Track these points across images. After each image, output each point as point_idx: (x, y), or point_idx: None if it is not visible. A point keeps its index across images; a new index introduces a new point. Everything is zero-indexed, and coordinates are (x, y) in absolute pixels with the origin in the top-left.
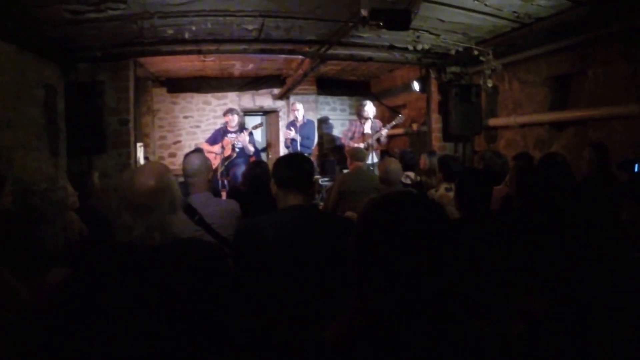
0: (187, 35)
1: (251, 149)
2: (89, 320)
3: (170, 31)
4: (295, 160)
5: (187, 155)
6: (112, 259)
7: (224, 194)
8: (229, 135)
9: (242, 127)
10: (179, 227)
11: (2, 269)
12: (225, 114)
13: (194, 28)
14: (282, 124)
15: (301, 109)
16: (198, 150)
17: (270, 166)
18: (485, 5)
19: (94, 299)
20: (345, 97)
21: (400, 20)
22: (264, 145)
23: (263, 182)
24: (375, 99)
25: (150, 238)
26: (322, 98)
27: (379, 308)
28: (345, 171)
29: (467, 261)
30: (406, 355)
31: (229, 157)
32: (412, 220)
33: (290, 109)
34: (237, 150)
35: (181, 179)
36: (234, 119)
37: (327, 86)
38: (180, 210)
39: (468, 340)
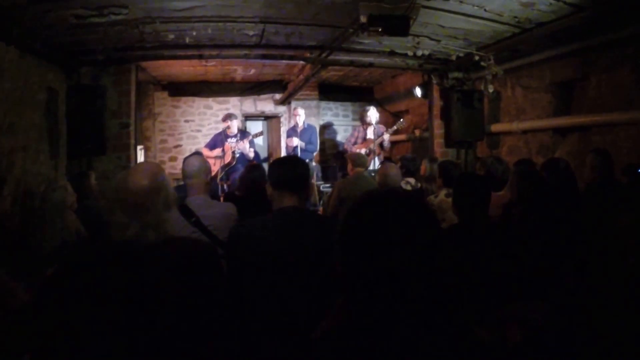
0: (188, 40)
1: (251, 155)
2: (75, 316)
3: (171, 36)
4: (289, 162)
5: (186, 158)
6: (104, 256)
7: (222, 199)
8: (229, 140)
9: (242, 133)
10: (173, 226)
11: (0, 269)
12: (224, 119)
13: (194, 33)
14: (284, 129)
15: (302, 115)
16: (197, 154)
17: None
18: (485, 10)
19: (80, 295)
20: (348, 103)
21: (399, 26)
22: (265, 151)
23: (259, 185)
24: (378, 104)
25: (145, 236)
26: (324, 104)
27: (363, 306)
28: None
29: (463, 266)
30: (391, 355)
31: (229, 164)
32: (394, 218)
33: (292, 114)
34: (236, 157)
35: (180, 183)
36: (234, 124)
37: (330, 92)
38: (175, 208)
39: (463, 345)
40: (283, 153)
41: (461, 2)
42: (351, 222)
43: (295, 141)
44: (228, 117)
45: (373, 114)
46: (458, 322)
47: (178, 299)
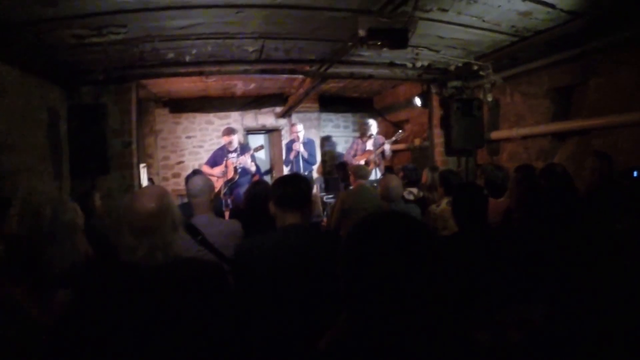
0: (188, 58)
1: (253, 168)
2: (95, 340)
3: (171, 54)
4: (292, 180)
5: (189, 177)
6: (117, 279)
7: (227, 214)
8: (230, 155)
9: (242, 147)
10: (180, 246)
11: (15, 289)
12: (226, 134)
13: (194, 51)
14: (285, 142)
15: (302, 130)
16: (198, 172)
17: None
18: (483, 21)
19: (99, 320)
20: (348, 114)
21: (398, 39)
22: (267, 164)
23: (262, 201)
24: (379, 115)
25: (153, 258)
26: (324, 115)
27: (364, 322)
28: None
29: (464, 273)
30: None
31: (231, 179)
32: (392, 241)
33: (291, 130)
34: (239, 171)
35: (184, 199)
36: (235, 140)
37: (330, 103)
38: (181, 229)
39: (464, 352)
40: (285, 166)
41: (459, 13)
42: (351, 245)
43: (300, 147)
44: (231, 132)
45: (374, 127)
46: (456, 332)
47: (188, 317)
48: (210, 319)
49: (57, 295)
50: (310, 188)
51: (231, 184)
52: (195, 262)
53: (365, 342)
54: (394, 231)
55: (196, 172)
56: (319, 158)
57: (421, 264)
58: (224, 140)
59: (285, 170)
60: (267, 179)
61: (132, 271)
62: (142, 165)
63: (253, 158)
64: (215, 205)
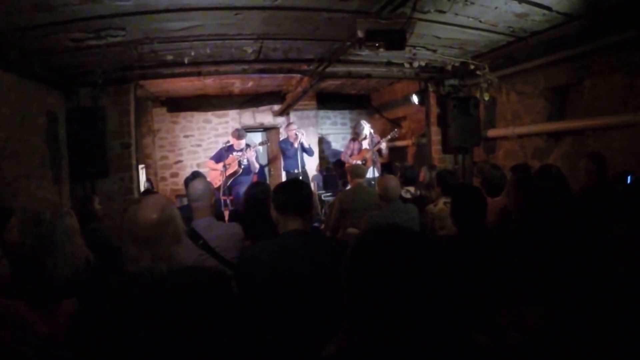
0: (186, 60)
1: (256, 165)
2: (102, 352)
3: (169, 56)
4: (292, 186)
5: (189, 180)
6: (122, 290)
7: (226, 213)
8: (235, 153)
9: (247, 145)
10: (183, 255)
11: (19, 303)
12: (235, 137)
13: (193, 53)
14: (279, 141)
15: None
16: (197, 175)
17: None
18: (480, 21)
19: (105, 332)
20: (346, 111)
21: (396, 40)
22: (265, 161)
23: (262, 202)
24: (376, 111)
25: (157, 268)
26: (322, 112)
27: (364, 334)
28: (346, 188)
29: (463, 275)
30: None
31: (234, 173)
32: (393, 255)
33: (288, 129)
34: (243, 166)
35: (183, 199)
36: (242, 143)
37: (328, 100)
38: (184, 240)
39: (464, 355)
40: (284, 160)
41: (457, 14)
42: (354, 261)
43: (302, 135)
44: (241, 136)
45: (366, 129)
46: (456, 335)
47: (193, 327)
48: (214, 328)
49: (62, 306)
50: (311, 194)
51: (232, 180)
52: (198, 272)
53: (367, 352)
54: (397, 247)
55: (196, 174)
56: (315, 153)
57: (422, 278)
58: (231, 140)
59: (282, 164)
60: (266, 171)
61: (136, 282)
62: (140, 166)
63: (257, 156)
64: (215, 208)
